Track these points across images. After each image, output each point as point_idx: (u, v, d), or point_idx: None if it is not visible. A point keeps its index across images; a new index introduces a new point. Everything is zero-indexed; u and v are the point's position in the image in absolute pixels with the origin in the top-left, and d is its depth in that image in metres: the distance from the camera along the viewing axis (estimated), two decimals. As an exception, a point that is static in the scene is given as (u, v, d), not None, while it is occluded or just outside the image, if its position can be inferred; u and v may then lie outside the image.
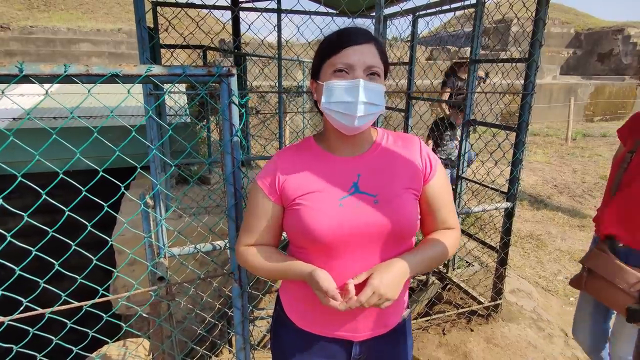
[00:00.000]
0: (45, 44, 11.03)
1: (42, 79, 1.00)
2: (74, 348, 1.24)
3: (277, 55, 4.06)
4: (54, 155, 0.98)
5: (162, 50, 3.18)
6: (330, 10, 3.94)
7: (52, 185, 1.08)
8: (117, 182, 1.17)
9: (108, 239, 1.21)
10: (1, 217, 0.96)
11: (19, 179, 1.03)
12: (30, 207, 1.05)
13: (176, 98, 4.50)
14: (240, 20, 4.00)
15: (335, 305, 0.96)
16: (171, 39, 3.39)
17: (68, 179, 1.09)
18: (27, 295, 1.07)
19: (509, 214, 2.66)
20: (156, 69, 1.08)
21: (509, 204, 2.63)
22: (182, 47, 2.86)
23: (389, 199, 1.04)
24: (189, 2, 2.86)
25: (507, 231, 2.69)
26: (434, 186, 1.11)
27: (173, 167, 1.23)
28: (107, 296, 1.19)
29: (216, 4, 2.55)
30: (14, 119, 4.66)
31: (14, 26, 11.21)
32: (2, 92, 1.00)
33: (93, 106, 5.05)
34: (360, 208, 1.03)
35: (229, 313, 2.26)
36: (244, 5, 4.01)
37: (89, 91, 1.07)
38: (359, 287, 0.99)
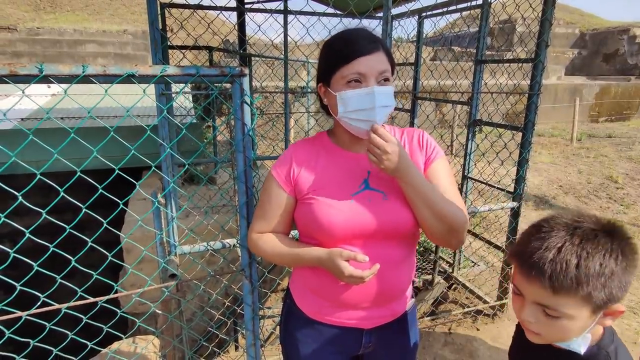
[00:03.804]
0: (51, 45, 11.12)
1: (60, 79, 1.03)
2: (89, 343, 1.26)
3: (282, 56, 4.09)
4: (62, 155, 1.01)
5: (169, 51, 3.21)
6: (338, 12, 3.95)
7: (68, 184, 1.11)
8: (132, 180, 1.20)
9: (123, 235, 1.23)
10: (8, 216, 0.98)
11: (38, 176, 1.06)
12: (40, 205, 1.07)
13: (184, 97, 4.53)
14: (247, 21, 4.02)
15: (361, 274, 0.99)
16: (178, 40, 3.42)
17: (86, 177, 1.11)
18: (36, 291, 1.09)
19: (515, 214, 2.67)
20: (171, 69, 1.11)
21: (515, 204, 2.64)
22: (192, 47, 2.88)
23: (398, 195, 1.07)
24: (196, 3, 2.88)
25: (513, 230, 2.70)
26: (435, 168, 1.12)
27: (186, 166, 1.25)
28: (122, 292, 1.21)
29: (222, 5, 2.57)
30: (22, 119, 4.72)
31: (21, 27, 11.31)
32: (23, 92, 1.03)
33: (99, 106, 5.09)
34: (370, 204, 1.06)
35: (238, 310, 2.28)
36: (251, 6, 4.02)
37: (106, 91, 1.09)
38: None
